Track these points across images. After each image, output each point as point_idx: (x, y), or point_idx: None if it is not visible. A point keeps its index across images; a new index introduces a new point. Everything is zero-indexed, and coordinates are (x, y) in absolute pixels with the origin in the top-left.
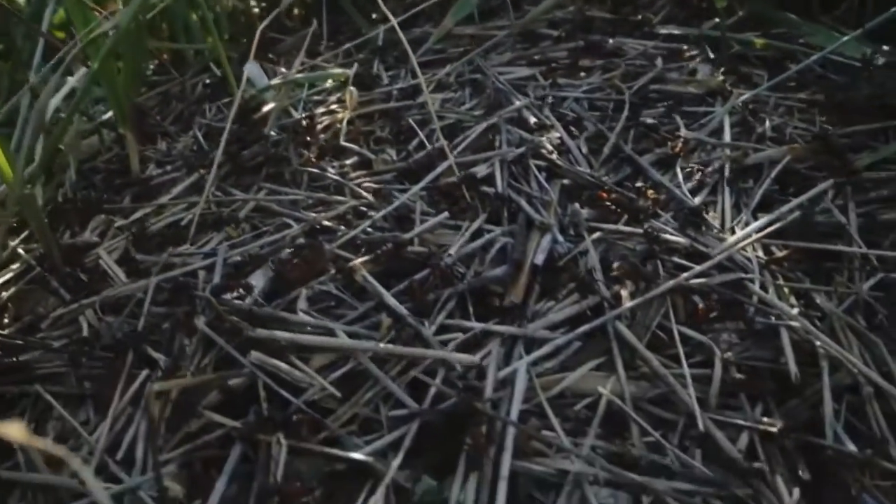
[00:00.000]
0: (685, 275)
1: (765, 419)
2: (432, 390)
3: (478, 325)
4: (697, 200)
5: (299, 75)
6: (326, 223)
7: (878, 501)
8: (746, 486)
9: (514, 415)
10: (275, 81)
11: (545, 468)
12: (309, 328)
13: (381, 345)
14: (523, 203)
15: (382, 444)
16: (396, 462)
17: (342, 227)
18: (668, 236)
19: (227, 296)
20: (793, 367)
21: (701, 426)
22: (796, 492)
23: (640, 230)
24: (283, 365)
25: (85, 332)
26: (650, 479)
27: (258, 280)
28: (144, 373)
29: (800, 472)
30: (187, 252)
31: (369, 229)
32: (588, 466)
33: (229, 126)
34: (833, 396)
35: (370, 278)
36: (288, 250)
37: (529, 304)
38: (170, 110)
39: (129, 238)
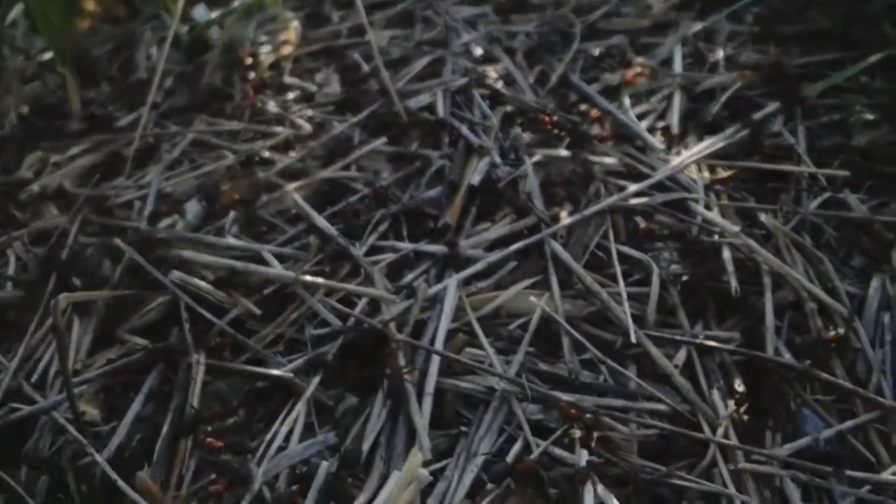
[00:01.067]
0: (623, 193)
1: (704, 333)
2: (357, 309)
3: (408, 246)
4: (644, 125)
5: (236, 2)
6: (264, 154)
7: (818, 415)
8: (682, 402)
9: (441, 333)
10: (215, 14)
11: (474, 385)
12: (237, 251)
13: (303, 276)
14: (464, 129)
15: (304, 361)
16: (317, 378)
17: (279, 157)
18: (609, 159)
19: (160, 224)
20: (733, 283)
21: (634, 340)
22: (731, 405)
23: (582, 153)
24: (203, 284)
25: (12, 264)
26: (581, 396)
27: (192, 208)
28: None
29: (736, 387)
30: (122, 185)
31: (307, 158)
32: (516, 383)
33: (163, 63)
34: (775, 313)
35: (301, 201)
36: (222, 180)
37: (465, 226)
38: (119, 57)
39: (65, 173)
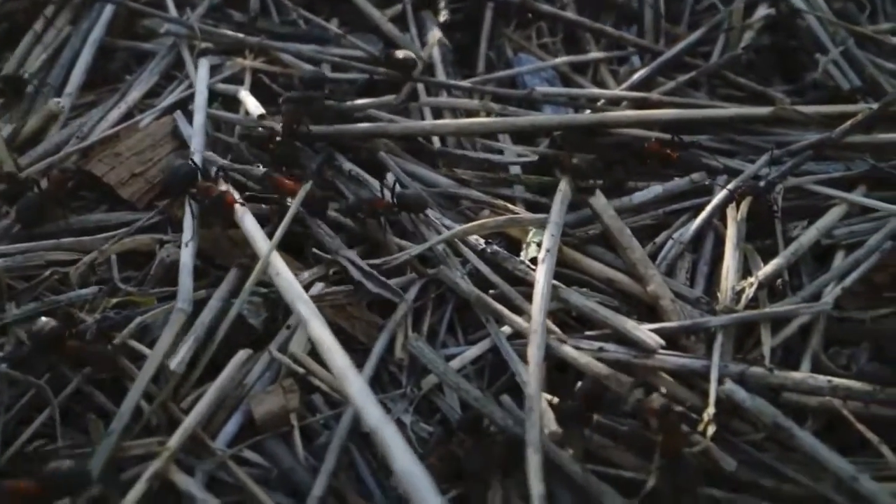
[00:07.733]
0: None
1: None
2: None
3: None
4: None
5: None
6: None
7: (536, 58)
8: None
9: None
10: None
11: (152, 46)
12: None
13: None
14: None
15: None
16: None
17: None
18: None
19: None
20: None
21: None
22: (438, 34)
23: None
24: None
25: None
26: (265, 41)
27: None
28: None
29: (442, 19)
30: None
31: None
32: (186, 26)
33: None
34: None
35: None
36: None
37: None
38: None
39: None
